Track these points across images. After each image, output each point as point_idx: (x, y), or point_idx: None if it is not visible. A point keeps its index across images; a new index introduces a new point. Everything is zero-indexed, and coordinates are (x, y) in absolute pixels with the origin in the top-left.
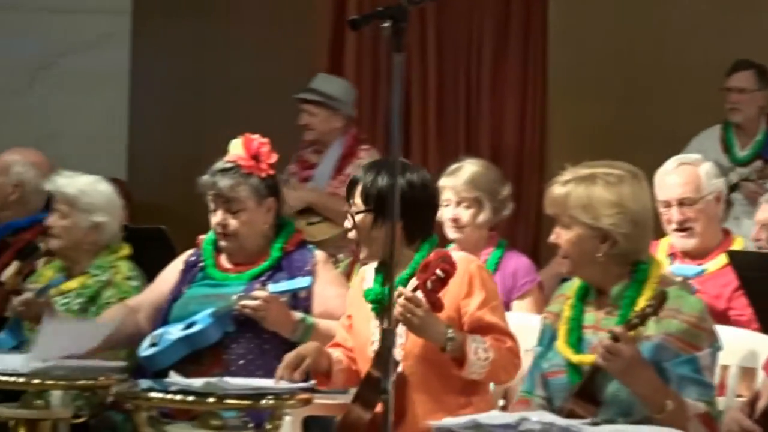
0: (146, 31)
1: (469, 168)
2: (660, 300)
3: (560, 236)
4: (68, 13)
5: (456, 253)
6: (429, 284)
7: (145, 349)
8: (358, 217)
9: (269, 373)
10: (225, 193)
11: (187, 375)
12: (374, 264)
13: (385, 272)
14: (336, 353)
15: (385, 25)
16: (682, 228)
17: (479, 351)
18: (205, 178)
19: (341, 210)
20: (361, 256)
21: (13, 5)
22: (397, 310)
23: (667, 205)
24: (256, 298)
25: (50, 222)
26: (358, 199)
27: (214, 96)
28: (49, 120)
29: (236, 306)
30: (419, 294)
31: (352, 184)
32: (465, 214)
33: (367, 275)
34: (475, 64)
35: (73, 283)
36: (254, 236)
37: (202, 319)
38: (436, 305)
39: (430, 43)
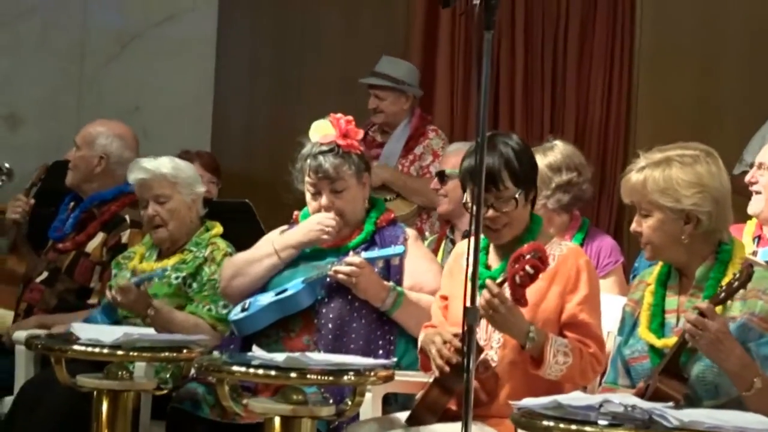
0: (232, 4)
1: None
2: (747, 273)
3: (641, 224)
4: None
5: (566, 245)
6: (517, 279)
7: (236, 314)
8: (511, 204)
9: (359, 340)
10: (331, 174)
11: (277, 341)
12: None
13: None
14: None
15: (476, 2)
16: (750, 190)
17: (558, 355)
18: (309, 162)
19: (416, 187)
20: (506, 238)
21: None
22: (480, 302)
23: (756, 165)
24: (349, 264)
25: (151, 212)
26: (509, 182)
27: (301, 68)
28: (136, 91)
29: (329, 272)
30: (506, 287)
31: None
32: None
33: (465, 250)
34: (561, 40)
35: (170, 260)
36: (357, 212)
37: (293, 285)
38: (521, 301)
39: (518, 20)
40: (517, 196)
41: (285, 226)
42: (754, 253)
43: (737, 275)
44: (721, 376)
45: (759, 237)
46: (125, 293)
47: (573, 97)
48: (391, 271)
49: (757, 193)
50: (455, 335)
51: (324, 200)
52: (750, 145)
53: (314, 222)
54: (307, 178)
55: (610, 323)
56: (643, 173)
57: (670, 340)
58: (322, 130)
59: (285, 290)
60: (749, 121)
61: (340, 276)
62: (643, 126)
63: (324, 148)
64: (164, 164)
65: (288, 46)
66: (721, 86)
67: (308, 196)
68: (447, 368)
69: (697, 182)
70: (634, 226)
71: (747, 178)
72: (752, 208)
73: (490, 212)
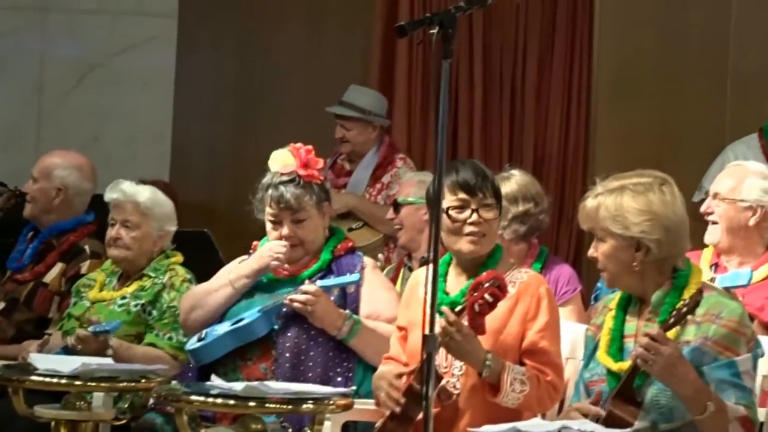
0: (192, 35)
1: None
2: (695, 300)
3: (597, 250)
4: (116, 15)
5: (526, 272)
6: (476, 307)
7: (192, 344)
8: (492, 213)
9: (317, 369)
10: (292, 205)
11: (235, 369)
12: (423, 269)
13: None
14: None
15: (433, 31)
16: (707, 220)
17: (515, 383)
18: (269, 192)
19: (382, 216)
20: (483, 250)
21: (62, 7)
22: (437, 330)
23: (711, 195)
24: (305, 293)
25: (114, 234)
26: (489, 193)
27: (259, 99)
28: (95, 121)
29: (285, 300)
30: (464, 315)
31: (477, 181)
32: None
33: (421, 280)
34: (520, 69)
35: (130, 288)
36: (317, 241)
37: (250, 315)
38: (479, 329)
39: (477, 50)
40: (493, 203)
41: (244, 256)
42: (712, 280)
43: (687, 301)
44: (675, 399)
45: (716, 264)
46: (85, 343)
47: (531, 125)
48: (348, 299)
49: (714, 223)
50: (399, 376)
51: (285, 230)
52: (709, 172)
53: (265, 249)
54: (268, 209)
55: (568, 350)
56: (597, 200)
57: (626, 364)
58: (282, 160)
59: (241, 319)
60: (708, 149)
61: (296, 304)
62: (602, 154)
63: (285, 178)
64: (142, 193)
65: (249, 75)
66: (680, 114)
67: (269, 226)
68: (398, 409)
69: (646, 210)
70: (591, 252)
71: (702, 209)
72: (709, 237)
73: (474, 217)
